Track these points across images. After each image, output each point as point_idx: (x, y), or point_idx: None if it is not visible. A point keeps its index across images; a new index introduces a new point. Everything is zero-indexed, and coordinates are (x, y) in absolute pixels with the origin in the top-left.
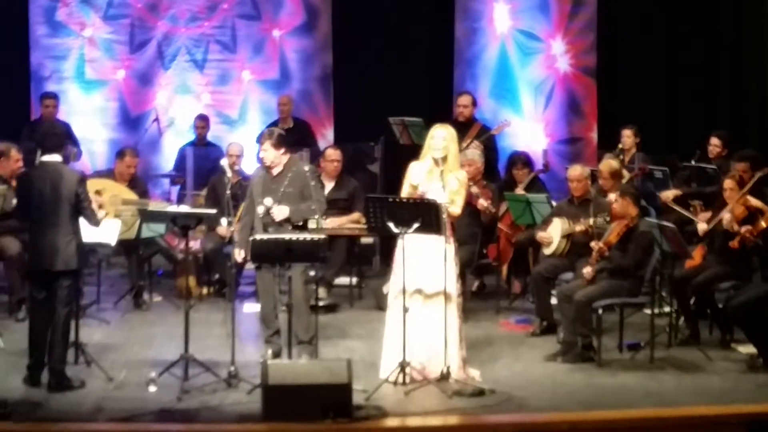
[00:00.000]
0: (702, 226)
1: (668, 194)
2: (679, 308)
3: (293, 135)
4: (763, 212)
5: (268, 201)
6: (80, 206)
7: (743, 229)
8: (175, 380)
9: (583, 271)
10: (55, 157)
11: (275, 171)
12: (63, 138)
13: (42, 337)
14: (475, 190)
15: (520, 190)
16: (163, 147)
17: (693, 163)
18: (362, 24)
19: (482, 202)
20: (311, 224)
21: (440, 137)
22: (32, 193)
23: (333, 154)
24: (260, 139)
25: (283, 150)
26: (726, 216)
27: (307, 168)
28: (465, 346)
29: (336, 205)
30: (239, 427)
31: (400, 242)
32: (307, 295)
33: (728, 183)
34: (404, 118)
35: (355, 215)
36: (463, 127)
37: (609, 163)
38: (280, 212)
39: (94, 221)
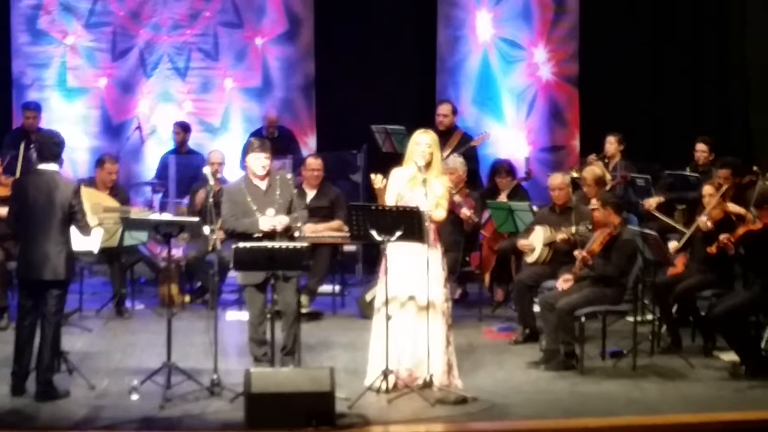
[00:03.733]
0: (673, 245)
1: (651, 202)
2: (661, 316)
3: (279, 144)
4: (744, 218)
5: (270, 212)
6: (74, 217)
7: (722, 236)
8: (157, 388)
9: (561, 281)
10: (52, 166)
11: (263, 184)
12: (62, 147)
13: (28, 345)
14: (457, 198)
15: (503, 198)
16: (145, 155)
17: (688, 171)
18: (345, 32)
19: (465, 211)
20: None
21: (424, 143)
22: (26, 201)
23: (313, 163)
24: (252, 148)
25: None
26: (702, 218)
27: (289, 176)
28: (453, 350)
29: (318, 213)
30: None
31: (386, 250)
32: (298, 306)
33: (707, 189)
34: (387, 126)
35: (336, 223)
36: (443, 136)
37: (592, 170)
38: (281, 222)
39: (86, 233)
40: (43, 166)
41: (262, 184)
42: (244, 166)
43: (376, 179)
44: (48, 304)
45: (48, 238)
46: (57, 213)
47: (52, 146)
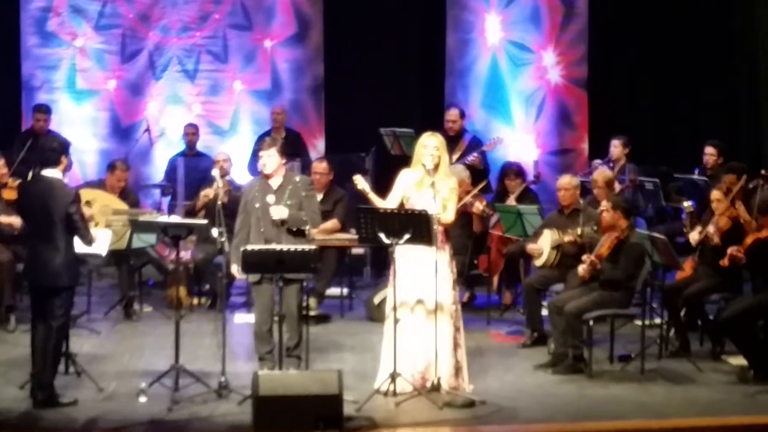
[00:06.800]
0: (694, 236)
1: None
2: (669, 320)
3: (287, 146)
4: (749, 225)
5: (270, 198)
6: (72, 226)
7: (730, 249)
8: (165, 391)
9: (578, 269)
10: (53, 173)
11: (275, 183)
12: (60, 152)
13: (38, 350)
14: (467, 199)
15: (511, 201)
16: (153, 157)
17: (696, 173)
18: (354, 35)
19: (478, 205)
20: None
21: (431, 146)
22: (25, 208)
23: (318, 167)
24: (261, 145)
25: (283, 159)
26: (710, 229)
27: (304, 179)
28: (463, 353)
29: (324, 217)
30: None
31: (395, 252)
32: (300, 307)
33: (715, 194)
34: (395, 129)
35: (330, 222)
36: (453, 141)
37: (603, 172)
38: (278, 212)
39: (87, 241)
40: (43, 172)
41: (274, 183)
42: (251, 169)
43: (358, 181)
44: (50, 311)
45: (46, 245)
46: (54, 220)
47: (49, 152)
